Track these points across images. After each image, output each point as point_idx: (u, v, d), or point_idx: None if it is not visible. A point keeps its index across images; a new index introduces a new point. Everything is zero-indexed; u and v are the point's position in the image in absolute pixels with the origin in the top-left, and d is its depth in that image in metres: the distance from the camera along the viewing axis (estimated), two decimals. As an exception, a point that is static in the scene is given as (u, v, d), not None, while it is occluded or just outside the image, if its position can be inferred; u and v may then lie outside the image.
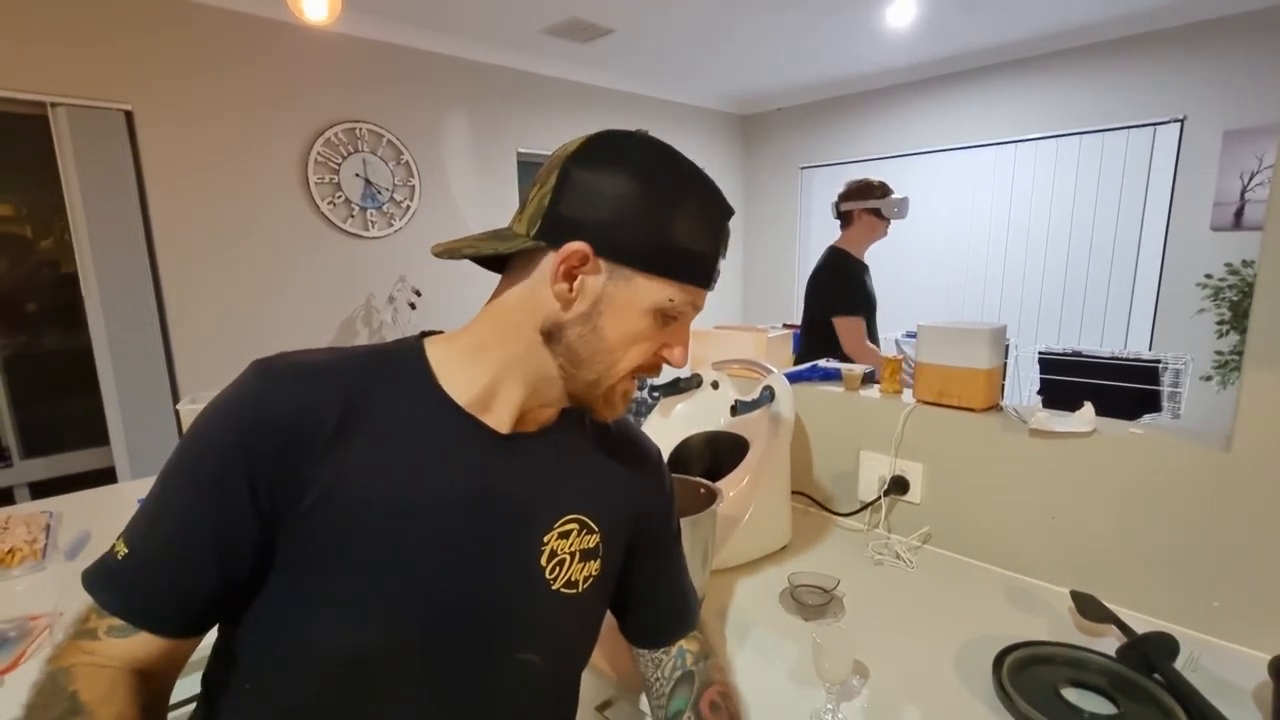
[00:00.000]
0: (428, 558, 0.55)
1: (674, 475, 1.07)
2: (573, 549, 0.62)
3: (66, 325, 2.59)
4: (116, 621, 0.52)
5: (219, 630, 0.58)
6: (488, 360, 0.59)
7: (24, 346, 2.56)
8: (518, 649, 0.60)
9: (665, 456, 1.23)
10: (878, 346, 2.39)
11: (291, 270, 3.00)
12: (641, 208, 0.54)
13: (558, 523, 0.62)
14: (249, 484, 0.51)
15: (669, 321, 0.58)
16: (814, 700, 0.79)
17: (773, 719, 0.77)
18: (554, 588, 0.61)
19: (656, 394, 1.34)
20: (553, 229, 0.55)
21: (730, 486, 1.14)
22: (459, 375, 0.59)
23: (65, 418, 2.65)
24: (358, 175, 3.12)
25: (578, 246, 0.54)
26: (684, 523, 0.87)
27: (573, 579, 0.62)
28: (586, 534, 0.63)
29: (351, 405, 0.54)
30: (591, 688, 0.90)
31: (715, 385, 1.33)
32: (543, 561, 0.60)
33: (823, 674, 0.76)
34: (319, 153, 2.99)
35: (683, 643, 0.76)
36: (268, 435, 0.52)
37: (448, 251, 0.58)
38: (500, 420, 0.60)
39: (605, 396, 0.60)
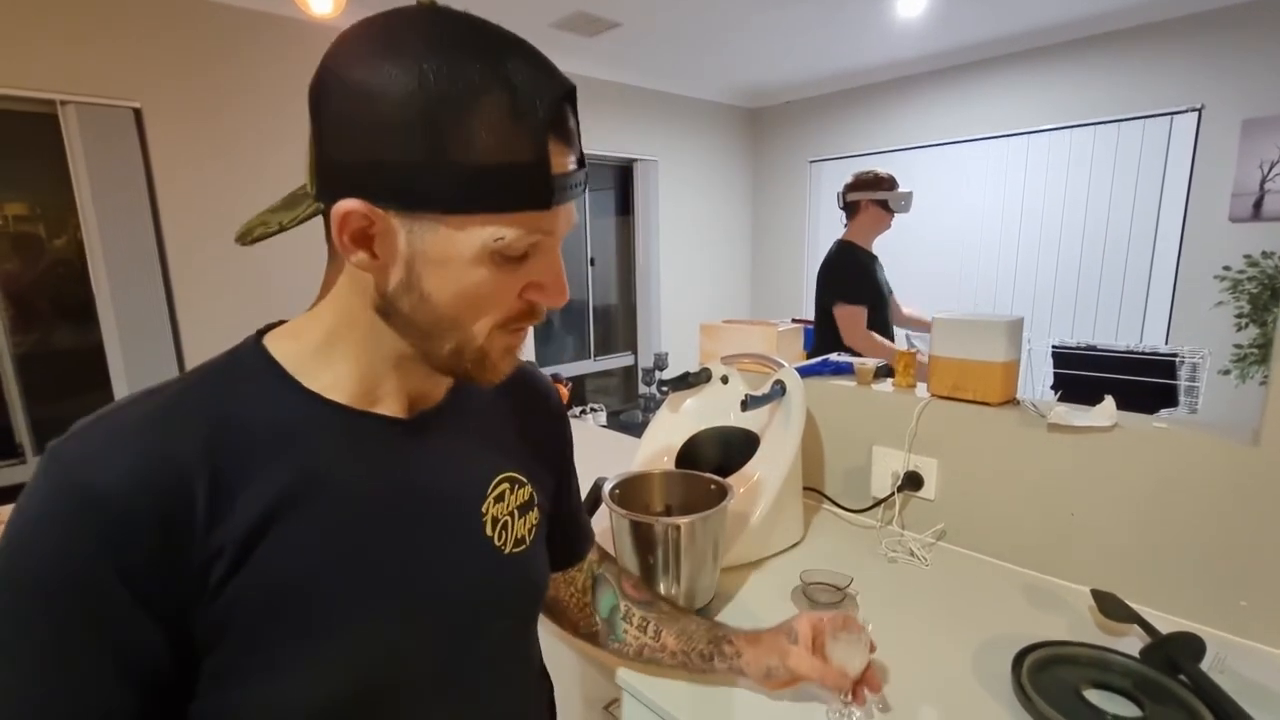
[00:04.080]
0: (377, 579, 0.49)
1: (683, 471, 1.07)
2: (510, 509, 0.59)
3: (78, 323, 2.60)
4: None
5: None
6: (346, 352, 0.50)
7: (37, 344, 2.57)
8: (494, 621, 0.58)
9: (675, 452, 1.23)
10: (890, 338, 2.36)
11: (301, 266, 2.97)
12: (416, 125, 0.40)
13: (489, 489, 0.58)
14: (131, 593, 0.39)
15: (521, 260, 0.46)
16: (827, 699, 0.77)
17: (786, 717, 0.76)
18: (506, 552, 0.58)
19: (665, 389, 1.32)
20: (326, 182, 0.43)
21: (740, 483, 1.12)
22: (325, 374, 0.49)
23: (77, 415, 2.64)
24: (365, 171, 3.12)
25: (347, 208, 0.42)
26: (695, 519, 0.86)
27: (520, 536, 0.59)
28: (519, 489, 0.61)
29: (218, 445, 0.44)
30: (597, 686, 0.89)
31: (725, 380, 1.31)
32: (488, 532, 0.57)
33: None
34: (326, 149, 2.99)
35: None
36: (125, 524, 0.39)
37: (244, 235, 0.47)
38: (394, 406, 0.52)
39: (477, 362, 0.50)
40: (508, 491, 0.60)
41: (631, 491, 0.96)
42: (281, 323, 0.53)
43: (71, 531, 0.39)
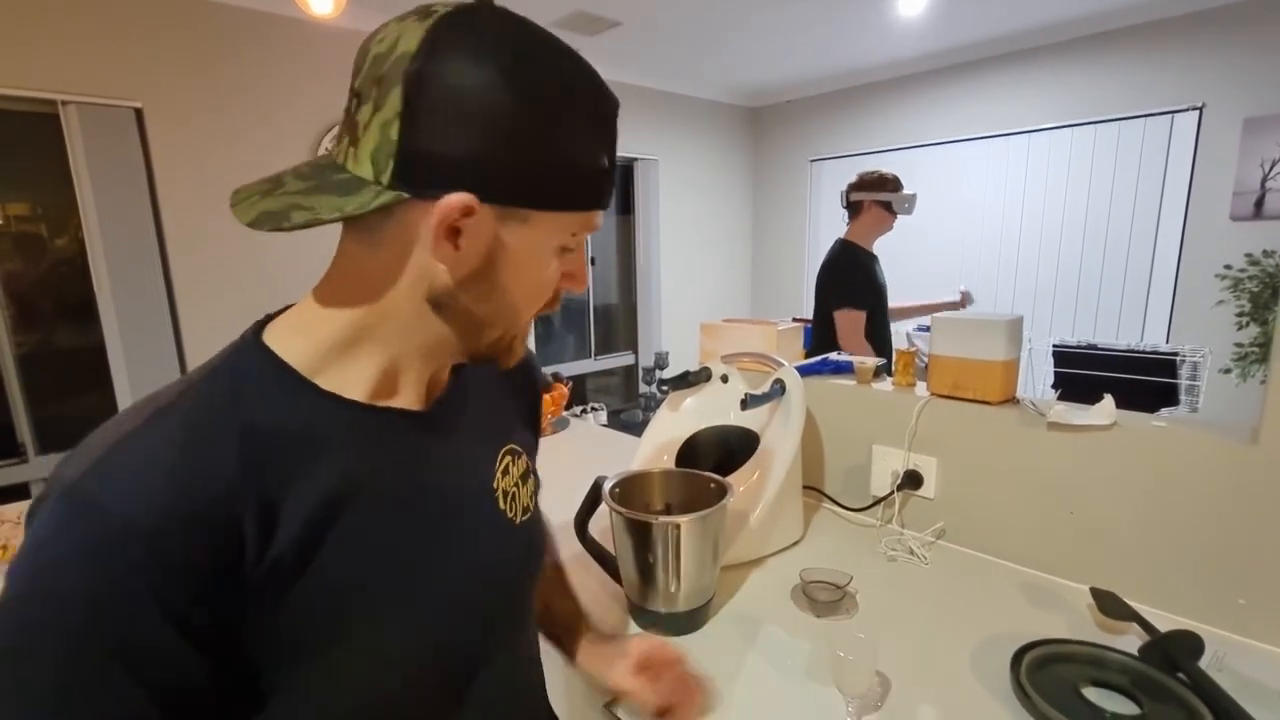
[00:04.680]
0: (415, 576, 0.49)
1: (683, 470, 1.07)
2: (515, 480, 0.61)
3: (80, 322, 2.61)
4: None
5: None
6: (373, 346, 0.48)
7: (38, 344, 2.58)
8: (511, 593, 0.60)
9: (675, 451, 1.23)
10: (889, 338, 2.37)
11: (302, 265, 2.99)
12: (522, 122, 0.42)
13: (497, 465, 0.59)
14: (178, 628, 0.37)
15: (568, 252, 0.50)
16: (826, 698, 0.77)
17: (785, 717, 0.76)
18: (517, 522, 0.60)
19: (665, 388, 1.32)
20: (414, 172, 0.42)
21: (740, 481, 1.12)
22: (342, 371, 0.47)
23: (79, 414, 2.67)
24: (366, 171, 3.12)
25: (460, 201, 0.41)
26: (694, 518, 0.86)
27: (525, 505, 0.62)
28: (518, 459, 0.63)
29: (251, 459, 0.41)
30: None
31: (725, 379, 1.31)
32: (501, 505, 0.58)
33: (844, 687, 0.73)
34: (327, 149, 2.99)
35: None
36: (172, 557, 0.37)
37: (278, 218, 0.42)
38: (412, 396, 0.52)
39: (507, 348, 0.53)
40: (511, 464, 0.62)
41: (631, 490, 0.97)
42: (279, 313, 0.50)
43: (112, 572, 0.36)
